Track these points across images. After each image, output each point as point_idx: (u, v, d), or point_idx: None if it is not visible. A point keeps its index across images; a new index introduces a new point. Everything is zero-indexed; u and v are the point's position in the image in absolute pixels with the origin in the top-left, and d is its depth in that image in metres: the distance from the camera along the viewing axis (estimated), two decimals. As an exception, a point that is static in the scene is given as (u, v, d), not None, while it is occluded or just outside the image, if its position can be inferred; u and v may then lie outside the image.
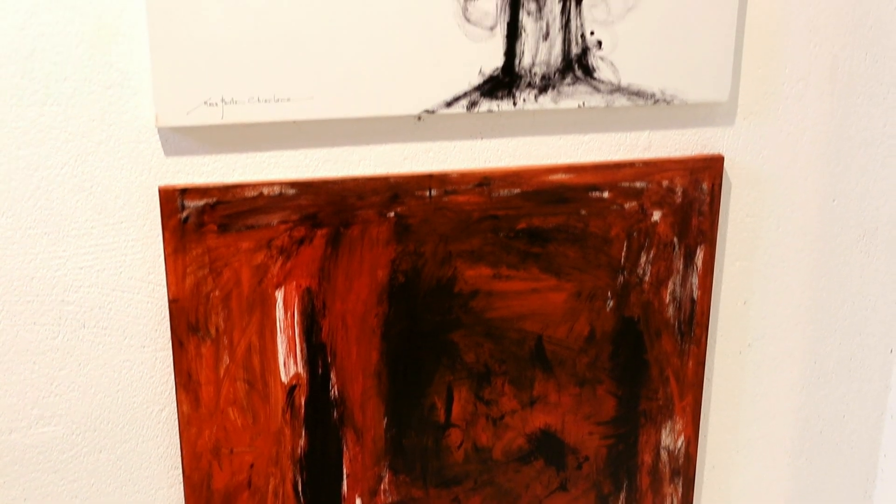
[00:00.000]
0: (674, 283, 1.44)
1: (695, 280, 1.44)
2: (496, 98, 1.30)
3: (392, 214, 1.33)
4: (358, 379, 1.38)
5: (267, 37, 1.21)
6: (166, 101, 1.21)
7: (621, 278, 1.42)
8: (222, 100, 1.22)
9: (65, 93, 1.21)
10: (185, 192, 1.26)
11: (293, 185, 1.29)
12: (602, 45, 1.31)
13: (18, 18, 1.17)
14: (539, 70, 1.30)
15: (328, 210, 1.30)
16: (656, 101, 1.35)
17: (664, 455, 1.52)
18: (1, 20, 1.17)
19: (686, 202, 1.41)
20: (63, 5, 1.18)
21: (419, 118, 1.32)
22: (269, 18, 1.20)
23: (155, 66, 1.19)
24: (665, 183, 1.39)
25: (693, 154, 1.42)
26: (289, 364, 1.35)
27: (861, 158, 1.48)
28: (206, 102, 1.22)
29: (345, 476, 1.41)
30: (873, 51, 1.43)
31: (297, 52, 1.22)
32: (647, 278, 1.43)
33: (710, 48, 1.34)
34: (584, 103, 1.33)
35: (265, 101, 1.24)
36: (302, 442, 1.38)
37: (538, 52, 1.30)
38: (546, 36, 1.29)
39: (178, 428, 1.34)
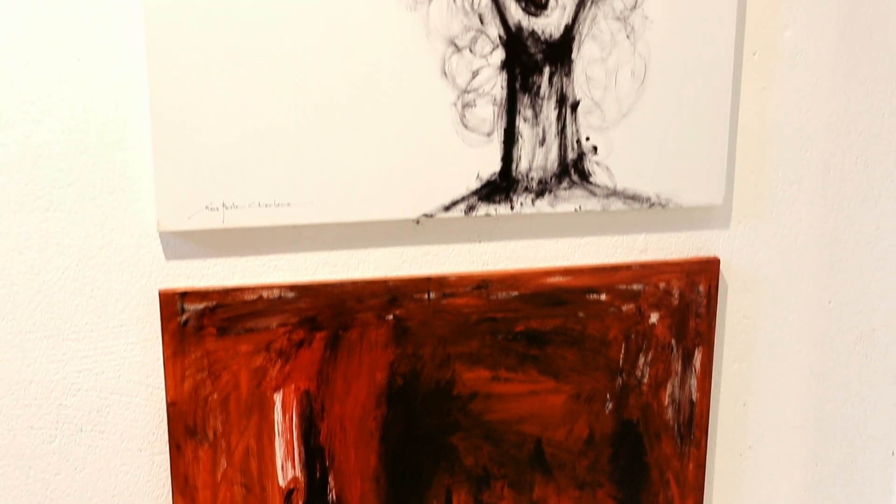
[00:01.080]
0: (672, 385, 1.44)
1: (693, 382, 1.44)
2: (494, 202, 1.32)
3: (391, 317, 1.33)
4: (356, 483, 1.37)
5: (268, 143, 1.23)
6: (168, 206, 1.23)
7: (620, 380, 1.42)
8: (223, 204, 1.24)
9: (68, 198, 1.23)
10: (185, 295, 1.27)
11: (293, 288, 1.30)
12: (597, 151, 1.33)
13: (26, 127, 1.20)
14: (536, 175, 1.32)
15: (327, 313, 1.31)
16: (652, 205, 1.37)
17: (666, 560, 1.50)
18: (8, 129, 1.19)
19: (683, 304, 1.42)
20: (69, 114, 1.20)
21: (417, 222, 1.34)
22: (270, 125, 1.23)
23: (158, 171, 1.21)
24: (662, 285, 1.40)
25: (689, 256, 1.43)
26: (286, 468, 1.34)
27: (856, 260, 1.50)
28: (207, 207, 1.24)
29: (342, 583, 1.39)
30: (864, 155, 1.45)
31: (297, 158, 1.24)
32: (645, 380, 1.43)
33: (703, 153, 1.37)
34: (580, 207, 1.35)
35: (265, 205, 1.25)
36: (299, 548, 1.36)
37: (535, 157, 1.32)
38: (542, 141, 1.32)
39: (173, 534, 1.33)
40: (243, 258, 1.30)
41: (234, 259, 1.30)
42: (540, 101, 1.30)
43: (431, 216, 1.30)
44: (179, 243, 1.27)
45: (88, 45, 1.19)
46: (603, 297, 1.39)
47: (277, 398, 1.32)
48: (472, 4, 1.25)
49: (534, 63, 1.29)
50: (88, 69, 1.20)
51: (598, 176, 1.34)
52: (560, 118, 1.31)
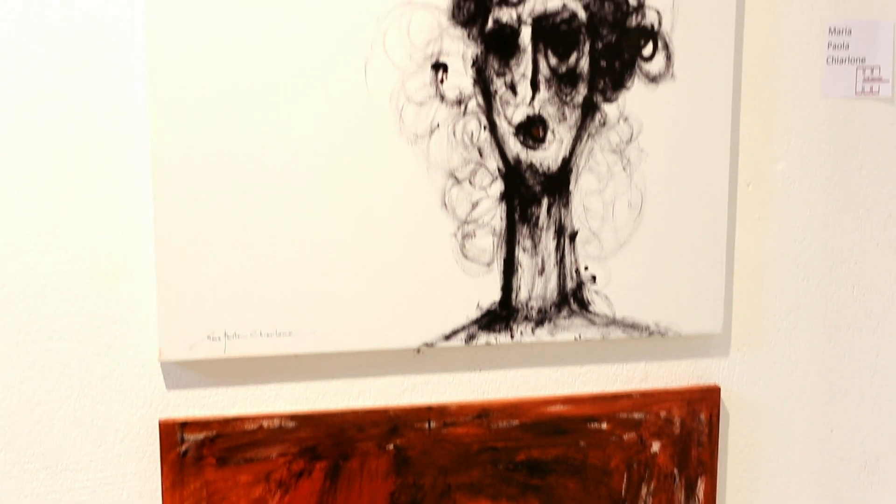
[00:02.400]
0: (676, 516, 1.42)
1: (697, 512, 1.43)
2: (494, 331, 1.33)
3: (391, 447, 1.33)
4: None
5: (269, 273, 1.25)
6: (170, 335, 1.24)
7: (622, 511, 1.41)
8: (224, 334, 1.25)
9: (71, 328, 1.24)
10: (186, 425, 1.26)
11: (293, 417, 1.29)
12: (596, 280, 1.35)
13: (32, 258, 1.22)
14: (535, 304, 1.34)
15: (327, 443, 1.31)
16: (651, 334, 1.37)
17: None
18: (14, 259, 1.21)
19: (685, 433, 1.41)
20: (75, 245, 1.22)
21: (418, 351, 1.34)
22: (271, 256, 1.25)
23: (161, 302, 1.23)
24: (663, 414, 1.40)
25: (689, 385, 1.43)
26: None
27: (856, 388, 1.50)
28: (208, 337, 1.25)
29: None
30: (861, 284, 1.47)
31: (298, 288, 1.26)
32: (648, 511, 1.41)
33: (702, 281, 1.38)
34: (580, 336, 1.35)
35: (267, 334, 1.26)
36: None
37: (534, 286, 1.33)
38: (542, 271, 1.33)
39: None
40: (244, 387, 1.30)
41: (235, 388, 1.30)
42: (539, 232, 1.32)
43: (432, 345, 1.31)
44: (180, 372, 1.28)
45: (95, 177, 1.22)
46: (604, 425, 1.39)
47: (276, 530, 1.30)
48: (471, 138, 1.29)
49: (532, 194, 1.32)
50: (95, 201, 1.22)
51: (598, 305, 1.35)
52: (559, 248, 1.33)
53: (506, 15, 1.27)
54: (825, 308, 1.47)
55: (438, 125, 1.28)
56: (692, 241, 1.37)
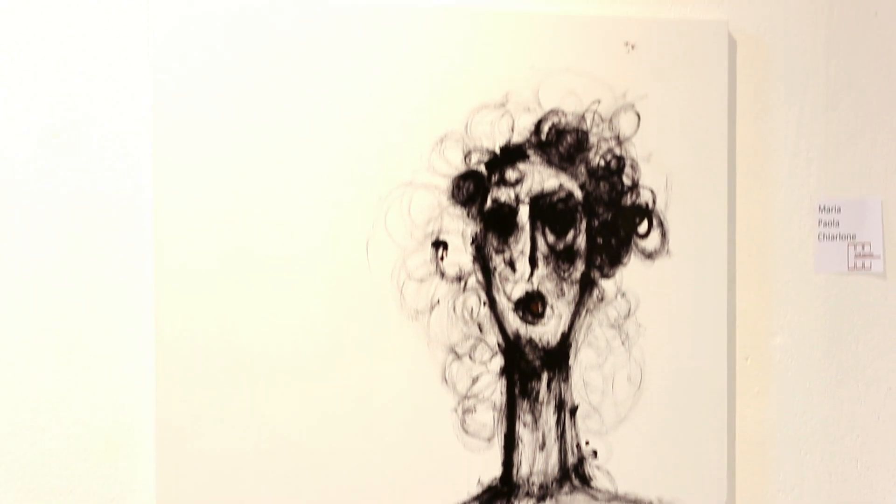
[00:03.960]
0: None
1: None
2: (495, 508, 1.32)
3: None
4: None
5: (270, 450, 1.24)
6: (168, 514, 1.23)
7: None
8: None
9: (68, 507, 1.23)
10: None
11: None
12: (597, 455, 1.34)
13: (31, 435, 1.21)
14: (537, 479, 1.33)
15: None
16: (654, 510, 1.36)
17: None
18: (13, 437, 1.21)
19: None
20: (74, 421, 1.22)
21: (418, 529, 1.33)
22: (272, 432, 1.25)
23: (160, 481, 1.22)
24: None
25: (695, 562, 1.41)
26: None
27: (866, 565, 1.47)
28: (207, 515, 1.24)
29: None
30: (864, 458, 1.46)
31: (299, 464, 1.25)
32: None
33: (704, 456, 1.37)
34: (582, 512, 1.34)
35: (266, 513, 1.25)
36: None
37: (535, 461, 1.33)
38: (542, 446, 1.33)
39: None
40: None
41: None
42: (539, 407, 1.33)
43: (432, 523, 1.30)
44: (177, 552, 1.26)
45: (97, 355, 1.23)
46: None
47: None
48: (471, 314, 1.30)
49: (532, 369, 1.33)
50: (96, 379, 1.23)
51: (599, 480, 1.34)
52: (559, 423, 1.33)
53: (504, 194, 1.31)
54: (829, 482, 1.45)
55: (439, 301, 1.30)
56: (693, 414, 1.37)
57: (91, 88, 1.24)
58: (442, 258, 1.30)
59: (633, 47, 1.35)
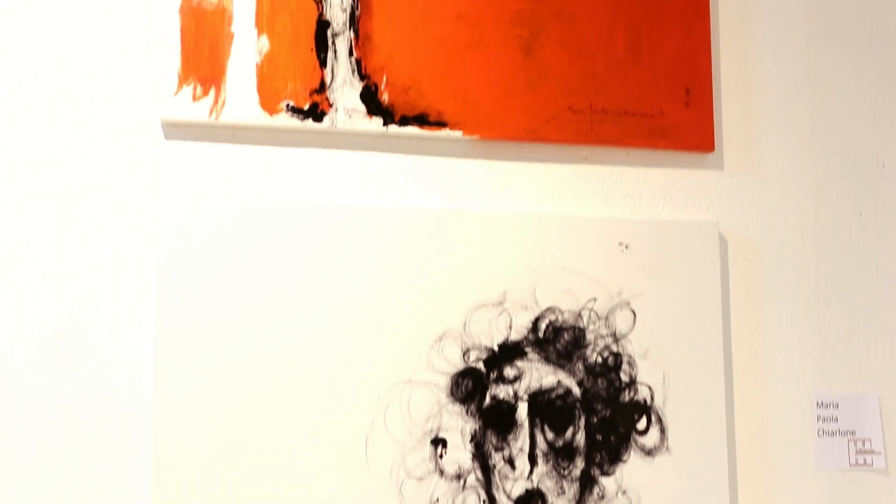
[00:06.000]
0: None
1: None
2: None
3: None
4: None
5: None
6: None
7: None
8: None
9: None
10: None
11: None
12: None
13: None
14: None
15: None
16: None
17: None
18: None
19: None
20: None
21: None
22: None
23: None
24: None
25: None
26: None
27: None
28: None
29: None
30: None
31: None
32: None
33: None
34: None
35: None
36: None
37: None
38: None
39: None
40: None
41: None
42: None
43: None
44: None
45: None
46: None
47: None
48: (471, 513, 1.30)
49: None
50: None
51: None
52: None
53: (503, 391, 1.32)
54: None
55: (438, 500, 1.29)
56: None
57: (95, 295, 1.26)
58: (441, 456, 1.30)
59: (626, 247, 1.39)
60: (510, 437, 1.32)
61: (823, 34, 1.52)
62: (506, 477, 1.31)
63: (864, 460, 1.43)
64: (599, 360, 1.36)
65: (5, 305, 1.23)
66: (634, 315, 1.38)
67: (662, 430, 1.37)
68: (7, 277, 1.24)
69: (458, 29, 1.36)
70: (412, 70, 1.34)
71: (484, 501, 1.30)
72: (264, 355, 1.27)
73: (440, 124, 1.35)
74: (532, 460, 1.32)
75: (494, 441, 1.31)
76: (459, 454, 1.30)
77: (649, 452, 1.36)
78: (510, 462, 1.31)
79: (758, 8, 1.50)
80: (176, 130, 1.29)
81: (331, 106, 1.32)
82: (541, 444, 1.33)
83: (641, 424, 1.36)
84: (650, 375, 1.37)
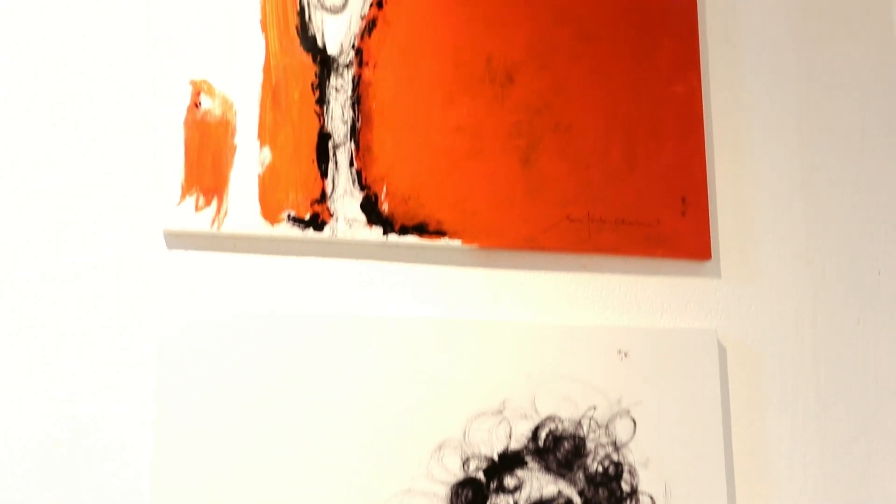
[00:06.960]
0: None
1: None
2: None
3: None
4: None
5: None
6: None
7: None
8: None
9: None
10: None
11: None
12: None
13: None
14: None
15: None
16: None
17: None
18: None
19: None
20: None
21: None
22: None
23: None
24: None
25: None
26: None
27: None
28: None
29: None
30: None
31: None
32: None
33: None
34: None
35: None
36: None
37: None
38: None
39: None
40: None
41: None
42: None
43: None
44: None
45: None
46: None
47: None
48: None
49: None
50: None
51: None
52: None
53: (503, 501, 1.31)
54: None
55: None
56: None
57: (94, 404, 1.26)
58: (442, 565, 1.28)
59: (626, 355, 1.39)
60: (511, 548, 1.30)
61: (816, 142, 1.55)
62: (506, 589, 1.29)
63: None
64: (600, 469, 1.35)
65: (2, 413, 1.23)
66: (635, 423, 1.37)
67: (665, 541, 1.35)
68: (6, 389, 1.23)
69: (457, 140, 1.39)
70: (412, 180, 1.36)
71: None
72: (263, 464, 1.26)
73: (439, 233, 1.36)
74: (533, 572, 1.30)
75: (495, 551, 1.30)
76: (460, 566, 1.29)
77: (653, 568, 1.34)
78: (511, 573, 1.30)
79: (751, 117, 1.53)
80: (178, 240, 1.30)
81: (331, 216, 1.33)
82: (542, 555, 1.31)
83: (643, 535, 1.35)
84: (652, 485, 1.36)
